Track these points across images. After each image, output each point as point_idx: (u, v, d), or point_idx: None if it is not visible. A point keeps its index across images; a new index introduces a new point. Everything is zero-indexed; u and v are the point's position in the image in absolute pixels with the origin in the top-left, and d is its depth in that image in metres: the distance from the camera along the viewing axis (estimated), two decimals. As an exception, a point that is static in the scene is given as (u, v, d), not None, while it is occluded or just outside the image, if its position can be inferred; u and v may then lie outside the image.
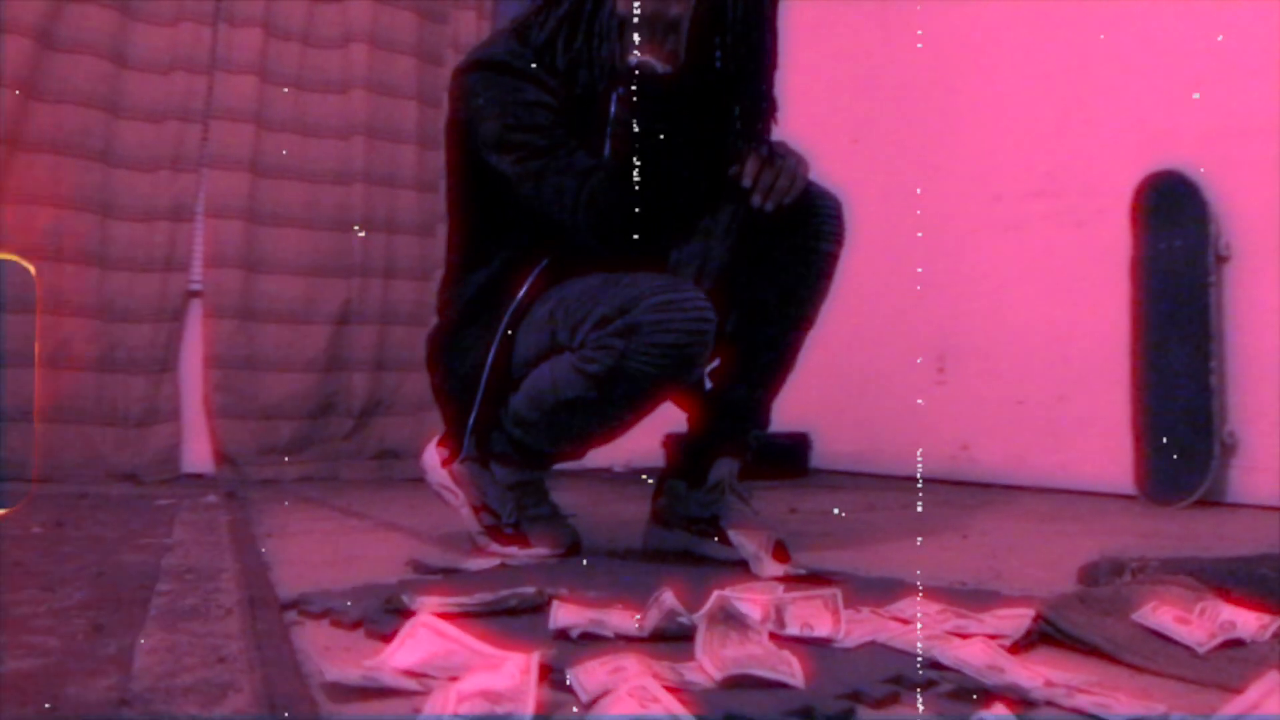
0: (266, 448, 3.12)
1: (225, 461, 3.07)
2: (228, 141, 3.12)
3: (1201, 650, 1.01)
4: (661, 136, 1.42)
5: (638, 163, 1.39)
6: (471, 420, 1.59)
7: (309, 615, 1.15)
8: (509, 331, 1.55)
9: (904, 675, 0.90)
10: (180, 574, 1.34)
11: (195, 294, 3.12)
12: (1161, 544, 1.93)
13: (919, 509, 2.54)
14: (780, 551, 1.48)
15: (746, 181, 1.51)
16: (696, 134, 1.53)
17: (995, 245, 3.26)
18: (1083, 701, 0.85)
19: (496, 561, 1.53)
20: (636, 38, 1.48)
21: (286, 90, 3.22)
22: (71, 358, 2.91)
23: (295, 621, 1.13)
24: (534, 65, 1.52)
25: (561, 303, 1.50)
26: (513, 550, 1.64)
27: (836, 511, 2.43)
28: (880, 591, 1.23)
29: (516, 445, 1.60)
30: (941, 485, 3.25)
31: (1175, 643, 1.03)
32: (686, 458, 1.70)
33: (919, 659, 0.95)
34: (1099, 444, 2.90)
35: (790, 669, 0.87)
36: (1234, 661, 0.97)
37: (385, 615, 1.10)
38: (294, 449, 3.15)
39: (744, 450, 1.69)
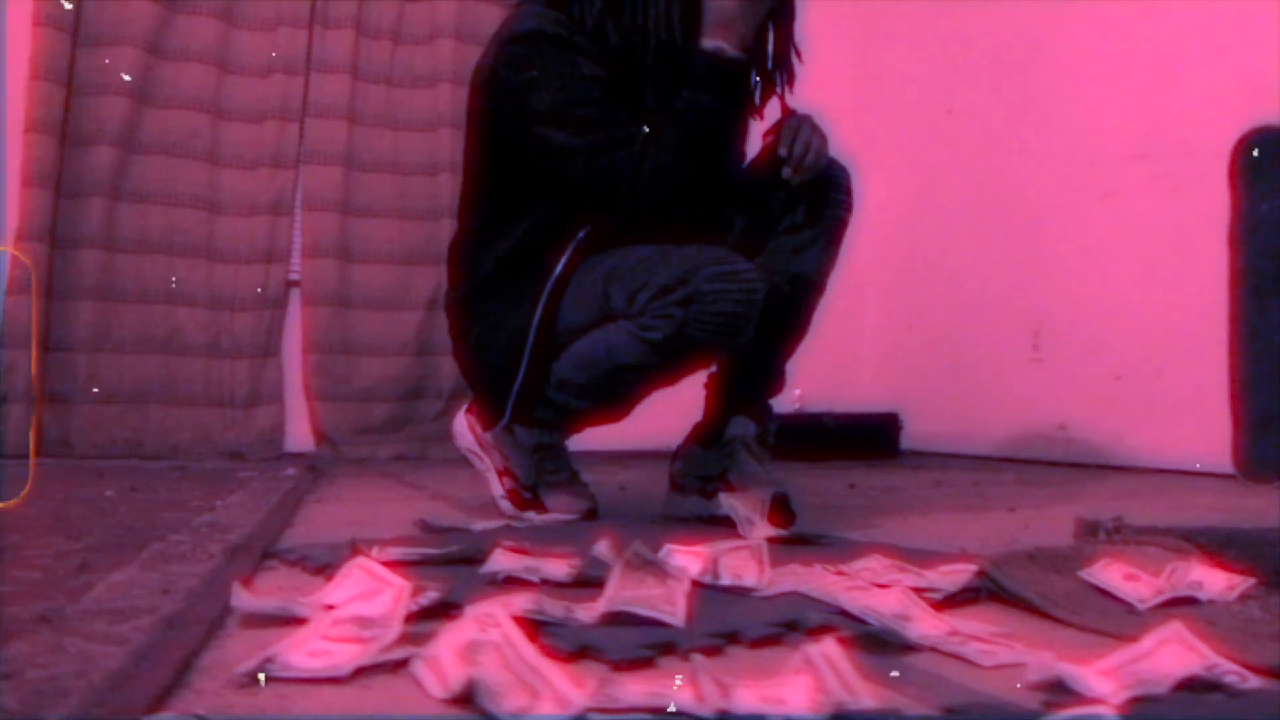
0: (361, 428, 3.28)
1: (324, 441, 3.24)
2: (323, 138, 3.28)
3: (1142, 607, 0.96)
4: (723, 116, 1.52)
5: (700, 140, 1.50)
6: (518, 385, 1.63)
7: (285, 561, 1.23)
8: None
9: (799, 620, 0.90)
10: (199, 528, 1.45)
11: (294, 283, 3.30)
12: (1229, 521, 1.81)
13: (980, 486, 2.45)
14: (776, 514, 1.47)
15: (783, 152, 1.53)
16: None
17: (1091, 214, 3.11)
18: (971, 649, 0.84)
19: (502, 523, 1.58)
20: (710, 23, 1.52)
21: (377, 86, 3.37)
22: (183, 344, 3.13)
23: (270, 566, 1.21)
24: (583, 38, 1.56)
25: (615, 272, 1.55)
26: (530, 515, 1.69)
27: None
28: (853, 552, 1.22)
29: (556, 409, 1.64)
30: (1036, 466, 3.12)
31: (1119, 600, 0.98)
32: (703, 421, 1.71)
33: (810, 604, 0.94)
34: (1200, 421, 2.72)
35: (674, 609, 0.89)
36: (1171, 617, 0.92)
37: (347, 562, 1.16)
38: (387, 429, 3.30)
39: (759, 412, 1.69)
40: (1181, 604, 0.98)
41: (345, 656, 0.76)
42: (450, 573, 1.09)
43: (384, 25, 3.40)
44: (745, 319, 1.50)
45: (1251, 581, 1.04)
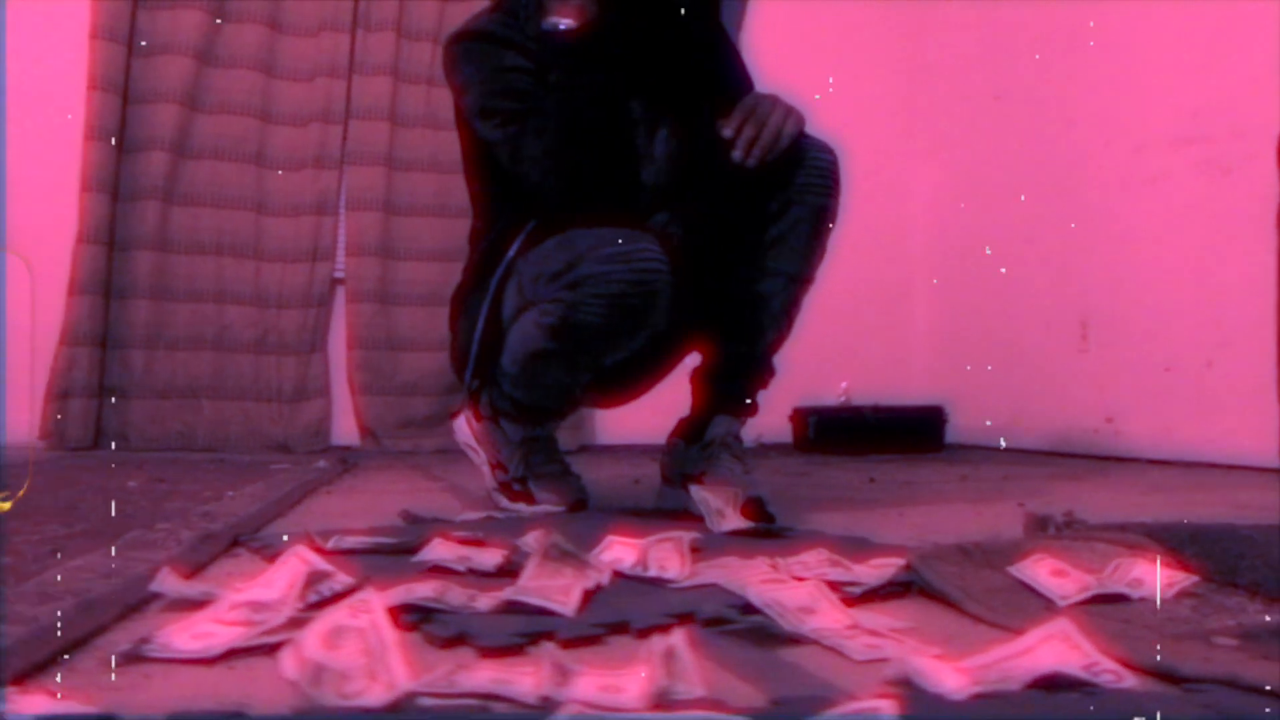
0: (404, 422, 3.36)
1: (368, 435, 3.33)
2: (366, 139, 3.38)
3: (1063, 603, 0.94)
4: (588, 89, 1.49)
5: (570, 118, 1.46)
6: (467, 378, 1.67)
7: (250, 549, 1.27)
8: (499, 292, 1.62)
9: (697, 611, 0.90)
10: (191, 517, 1.50)
11: (339, 281, 3.40)
12: (1248, 518, 1.73)
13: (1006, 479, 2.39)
14: (750, 508, 1.46)
15: (728, 133, 1.50)
16: (635, 84, 1.59)
17: (1139, 199, 3.00)
18: (857, 644, 0.83)
19: (484, 514, 1.61)
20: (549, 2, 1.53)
21: (418, 88, 3.44)
22: (233, 341, 3.25)
23: (235, 554, 1.26)
24: (519, 35, 1.58)
25: (527, 260, 1.56)
26: (520, 506, 1.71)
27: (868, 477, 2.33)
28: (804, 546, 1.21)
29: (511, 401, 1.67)
30: (1082, 460, 3.03)
31: (1042, 595, 0.96)
32: (688, 416, 1.71)
33: (721, 595, 0.94)
34: (1252, 413, 2.61)
35: (567, 600, 0.89)
36: (1087, 614, 0.89)
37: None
38: (429, 423, 3.37)
39: (743, 408, 1.67)
40: (1110, 601, 0.95)
41: (225, 638, 0.79)
42: (387, 561, 1.12)
43: (424, 27, 3.46)
44: (637, 300, 1.45)
45: (1194, 579, 1.00)
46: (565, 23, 1.50)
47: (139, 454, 2.96)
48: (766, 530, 1.39)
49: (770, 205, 1.58)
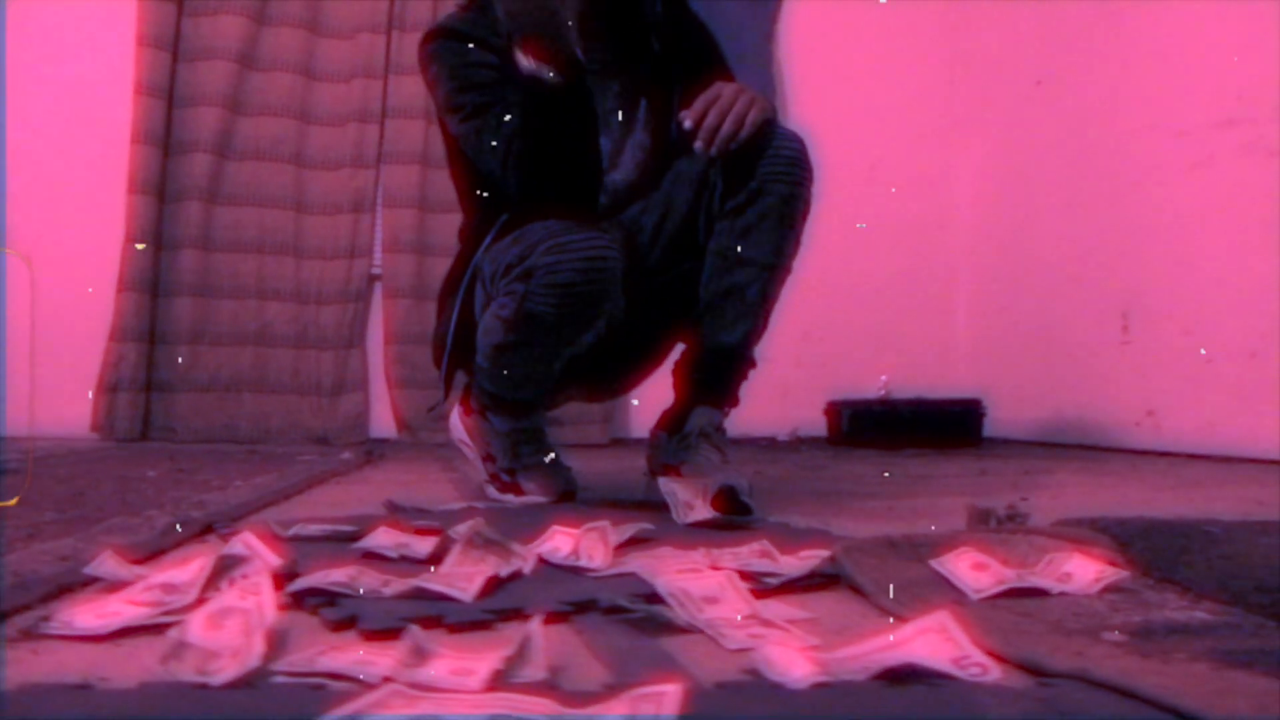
0: (439, 415, 3.41)
1: (405, 427, 3.40)
2: (401, 138, 3.44)
3: (975, 597, 0.92)
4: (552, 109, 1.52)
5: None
6: (443, 372, 1.70)
7: (220, 535, 1.31)
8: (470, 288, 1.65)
9: (598, 599, 0.91)
10: (182, 504, 1.56)
11: (376, 277, 3.48)
12: (1253, 514, 1.67)
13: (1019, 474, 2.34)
14: (722, 500, 1.46)
15: (688, 125, 1.50)
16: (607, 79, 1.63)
17: (1181, 185, 2.89)
18: (735, 634, 0.83)
19: (465, 504, 1.63)
20: (525, 42, 1.54)
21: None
22: (273, 336, 3.35)
23: (206, 540, 1.30)
24: (484, 31, 1.61)
25: (489, 257, 1.58)
26: (509, 497, 1.73)
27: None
28: (752, 537, 1.20)
29: (489, 395, 1.69)
30: (1121, 454, 2.94)
31: (958, 589, 0.94)
32: (670, 408, 1.71)
33: (636, 585, 0.94)
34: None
35: (467, 586, 0.91)
36: (991, 608, 0.88)
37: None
38: (464, 416, 3.43)
39: (722, 399, 1.67)
40: (1026, 595, 0.93)
41: (125, 617, 0.82)
42: (332, 548, 1.15)
43: (459, 26, 3.51)
44: (586, 289, 1.46)
45: (1127, 575, 0.97)
46: (551, 76, 1.51)
47: (181, 445, 3.07)
48: (729, 522, 1.39)
49: (738, 195, 1.56)
